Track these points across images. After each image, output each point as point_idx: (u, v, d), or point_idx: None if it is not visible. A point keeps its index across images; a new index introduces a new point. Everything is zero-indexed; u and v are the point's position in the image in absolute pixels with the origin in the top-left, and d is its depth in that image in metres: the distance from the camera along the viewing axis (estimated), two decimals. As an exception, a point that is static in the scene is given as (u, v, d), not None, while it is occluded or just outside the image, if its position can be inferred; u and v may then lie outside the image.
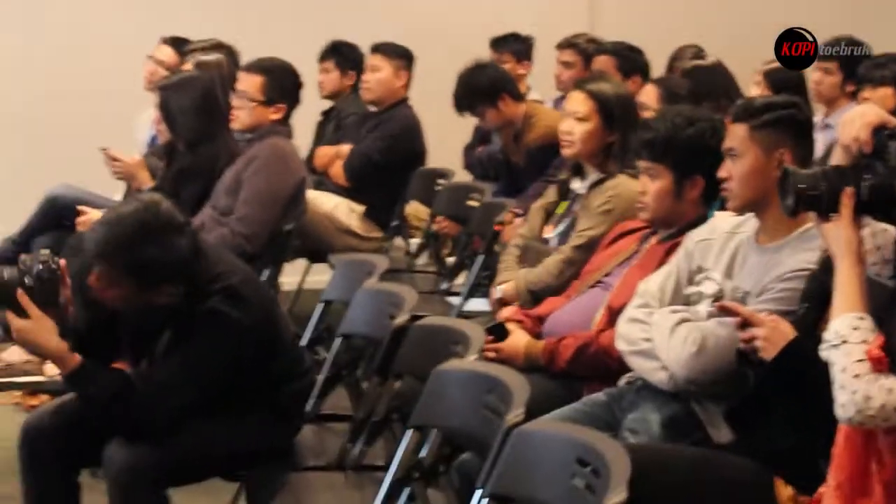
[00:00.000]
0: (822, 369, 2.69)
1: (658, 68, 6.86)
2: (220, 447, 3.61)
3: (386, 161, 6.55)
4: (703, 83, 5.97)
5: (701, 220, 3.83)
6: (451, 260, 6.07)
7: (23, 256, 3.50)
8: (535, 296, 4.55)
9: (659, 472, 3.00)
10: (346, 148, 6.64)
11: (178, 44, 6.78)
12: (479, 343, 3.47)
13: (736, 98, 6.04)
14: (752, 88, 6.27)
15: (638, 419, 3.43)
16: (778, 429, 3.08)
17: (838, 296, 2.71)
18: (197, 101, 5.49)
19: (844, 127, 2.82)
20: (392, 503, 3.31)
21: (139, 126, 6.95)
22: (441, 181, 6.44)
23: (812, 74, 6.34)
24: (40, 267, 3.43)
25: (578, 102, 4.69)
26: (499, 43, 7.48)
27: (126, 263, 3.42)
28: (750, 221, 3.48)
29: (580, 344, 3.87)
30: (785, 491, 3.06)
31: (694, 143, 3.84)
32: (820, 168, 2.81)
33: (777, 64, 6.25)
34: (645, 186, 3.94)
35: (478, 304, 5.23)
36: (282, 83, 5.55)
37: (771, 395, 3.07)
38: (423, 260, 6.44)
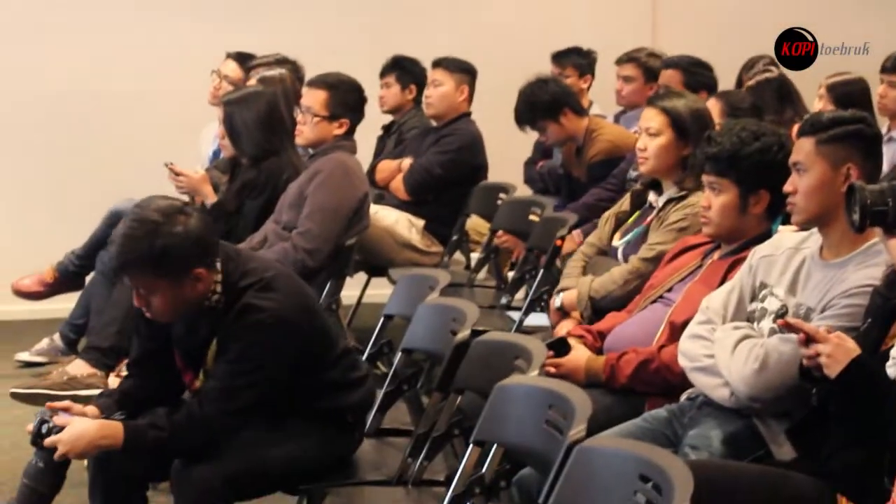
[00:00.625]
0: (887, 386, 2.67)
1: (720, 83, 6.82)
2: (283, 460, 3.61)
3: (447, 175, 6.57)
4: (765, 97, 5.95)
5: (765, 235, 3.82)
6: (511, 274, 6.06)
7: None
8: (595, 304, 4.54)
9: (722, 489, 2.98)
10: (407, 162, 6.66)
11: (243, 59, 6.83)
12: (540, 358, 3.46)
13: (800, 111, 6.02)
14: (816, 102, 6.25)
15: (699, 435, 3.42)
16: (841, 446, 3.06)
17: None
18: (261, 116, 5.53)
19: None
20: (452, 518, 3.30)
21: (203, 140, 7.01)
22: (502, 195, 6.44)
23: (878, 88, 6.30)
24: (39, 463, 3.49)
25: (651, 118, 4.68)
26: (561, 57, 7.46)
27: (147, 262, 3.42)
28: (814, 237, 3.46)
29: (641, 359, 3.85)
30: (849, 509, 3.04)
31: (760, 157, 3.82)
32: (888, 183, 2.79)
33: (840, 77, 6.24)
34: (709, 201, 3.92)
35: (538, 319, 5.22)
36: (345, 98, 5.57)
37: (834, 412, 3.05)
38: (482, 274, 6.44)
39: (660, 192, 4.71)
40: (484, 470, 3.25)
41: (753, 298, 3.52)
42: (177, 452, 3.53)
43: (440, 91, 6.72)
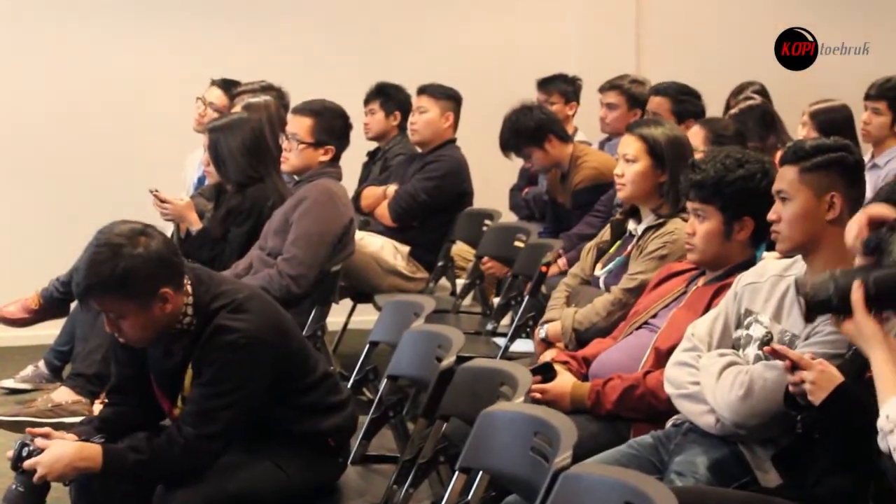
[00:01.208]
0: (871, 414, 2.68)
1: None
2: (266, 486, 3.60)
3: (432, 202, 6.58)
4: (748, 124, 5.98)
5: (749, 261, 3.83)
6: (496, 300, 6.07)
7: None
8: (580, 336, 4.55)
9: (707, 516, 2.99)
10: (392, 188, 6.67)
11: (228, 86, 6.84)
12: (525, 385, 3.46)
13: (784, 138, 6.05)
14: (799, 129, 6.28)
15: (685, 462, 3.42)
16: (826, 473, 3.06)
17: (879, 382, 2.70)
18: (246, 143, 5.53)
19: (849, 231, 2.85)
20: (438, 545, 3.30)
21: (188, 167, 7.01)
22: (487, 222, 6.45)
23: (861, 114, 6.34)
24: (19, 488, 3.50)
25: (628, 144, 4.71)
26: (546, 84, 7.49)
27: (111, 285, 3.43)
28: (798, 264, 3.48)
29: (627, 385, 3.85)
30: (834, 535, 3.04)
31: (744, 184, 3.84)
32: (829, 271, 2.83)
33: (823, 104, 6.28)
34: (693, 227, 3.93)
35: (523, 345, 5.23)
36: (331, 125, 5.58)
37: (819, 439, 3.05)
38: (468, 300, 6.45)
39: (639, 220, 4.73)
40: (469, 497, 3.25)
41: (738, 325, 3.53)
42: (157, 477, 3.52)
43: (425, 118, 6.74)
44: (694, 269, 4.09)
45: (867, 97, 6.35)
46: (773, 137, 6.12)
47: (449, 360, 3.77)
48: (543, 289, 5.39)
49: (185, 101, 6.94)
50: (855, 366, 3.01)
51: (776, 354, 3.06)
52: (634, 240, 4.70)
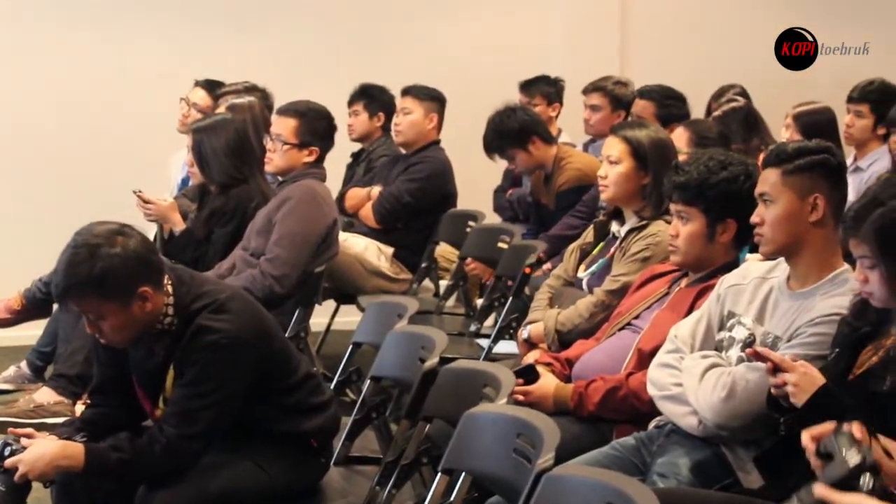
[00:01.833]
0: (852, 416, 2.68)
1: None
2: (248, 487, 3.60)
3: (416, 203, 6.58)
4: (732, 126, 5.99)
5: (732, 263, 3.83)
6: (479, 302, 6.07)
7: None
8: (563, 337, 4.55)
9: (689, 518, 2.99)
10: (376, 190, 6.67)
11: (212, 86, 6.83)
12: (508, 386, 3.46)
13: (767, 140, 6.06)
14: (783, 131, 6.29)
15: (667, 463, 3.42)
16: (809, 474, 3.06)
17: None
18: (230, 144, 5.52)
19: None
20: (421, 546, 3.30)
21: (172, 167, 6.99)
22: (471, 223, 6.45)
23: (844, 117, 6.35)
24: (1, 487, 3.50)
25: (612, 146, 4.71)
26: (529, 86, 7.49)
27: (89, 285, 3.42)
28: (781, 266, 3.48)
29: (609, 387, 3.86)
30: (815, 537, 3.04)
31: (727, 186, 3.85)
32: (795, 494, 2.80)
33: (807, 106, 6.29)
34: (677, 229, 3.94)
35: (506, 347, 5.23)
36: (315, 126, 5.57)
37: (801, 440, 3.05)
38: (451, 302, 6.45)
39: (622, 221, 4.74)
40: (452, 498, 3.25)
41: (721, 327, 3.54)
42: (140, 477, 3.51)
43: (409, 119, 6.74)
44: (677, 270, 4.10)
45: (849, 100, 6.36)
46: (756, 139, 6.13)
47: (432, 362, 3.77)
48: (527, 290, 5.39)
49: (170, 102, 6.93)
50: (839, 368, 3.02)
51: (759, 356, 3.06)
52: (617, 241, 4.70)
